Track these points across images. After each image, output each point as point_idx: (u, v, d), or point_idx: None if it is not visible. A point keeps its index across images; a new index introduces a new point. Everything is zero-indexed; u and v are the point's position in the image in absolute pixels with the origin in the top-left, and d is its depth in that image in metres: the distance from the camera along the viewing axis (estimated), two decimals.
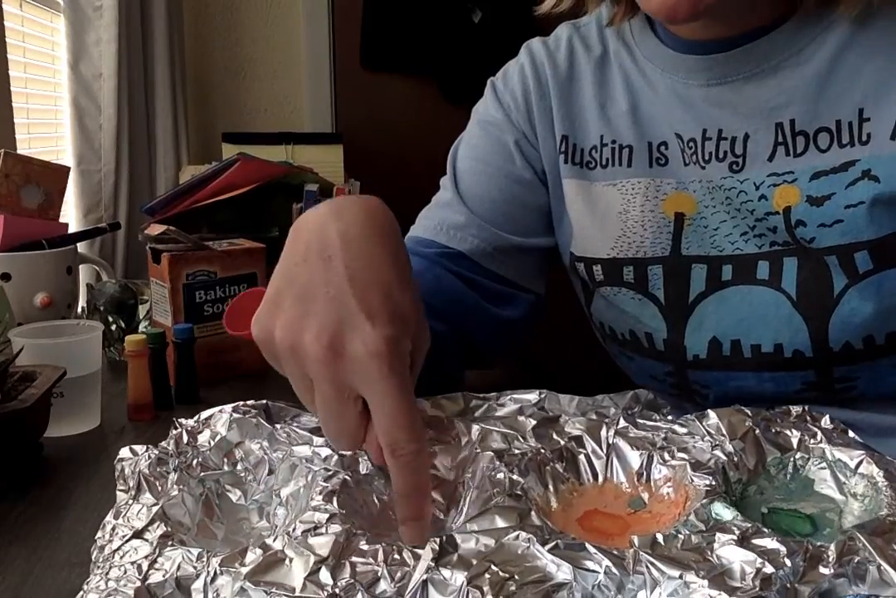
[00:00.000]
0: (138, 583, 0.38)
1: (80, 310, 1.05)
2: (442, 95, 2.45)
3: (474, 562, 0.37)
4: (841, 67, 0.62)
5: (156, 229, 0.91)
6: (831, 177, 0.62)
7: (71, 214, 1.67)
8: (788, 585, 0.35)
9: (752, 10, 0.64)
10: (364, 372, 0.43)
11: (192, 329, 0.83)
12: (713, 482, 0.43)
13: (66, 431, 0.73)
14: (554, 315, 0.99)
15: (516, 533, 0.38)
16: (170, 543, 0.41)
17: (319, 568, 0.37)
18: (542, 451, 0.47)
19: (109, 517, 0.45)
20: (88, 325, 0.79)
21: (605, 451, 0.48)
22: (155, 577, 0.39)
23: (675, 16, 0.59)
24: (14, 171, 1.00)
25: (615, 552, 0.37)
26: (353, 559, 0.38)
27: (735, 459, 0.46)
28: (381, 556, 0.38)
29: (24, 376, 0.67)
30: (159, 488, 0.47)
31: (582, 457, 0.48)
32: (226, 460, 0.50)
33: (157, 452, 0.49)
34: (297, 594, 0.36)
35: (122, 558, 0.41)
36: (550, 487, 0.46)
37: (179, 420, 0.52)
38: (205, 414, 0.52)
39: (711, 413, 0.50)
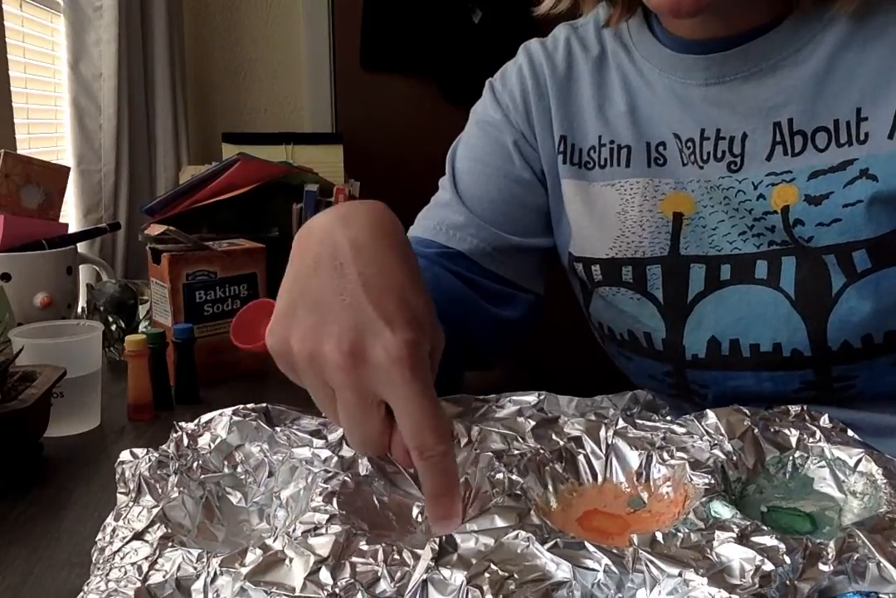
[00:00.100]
0: (138, 584, 0.38)
1: (80, 310, 1.05)
2: (442, 95, 2.45)
3: (474, 561, 0.37)
4: (839, 67, 0.62)
5: (156, 229, 0.91)
6: (829, 176, 0.62)
7: (71, 214, 1.67)
8: (788, 582, 0.35)
9: (752, 7, 0.64)
10: (387, 378, 0.43)
11: (192, 329, 0.83)
12: (712, 481, 0.44)
13: (66, 431, 0.73)
14: (553, 315, 0.99)
15: (515, 532, 0.38)
16: (170, 544, 0.41)
17: (319, 568, 0.37)
18: (542, 451, 0.47)
19: (110, 519, 0.45)
20: (88, 325, 0.79)
21: (604, 451, 0.48)
22: (155, 578, 0.39)
23: (678, 10, 0.59)
24: (14, 171, 1.00)
25: (614, 551, 0.37)
26: (353, 559, 0.38)
27: (734, 458, 0.46)
28: (380, 556, 0.38)
29: (24, 376, 0.67)
30: (160, 490, 0.47)
31: (581, 457, 0.48)
32: (226, 462, 0.50)
33: (157, 455, 0.49)
34: (297, 593, 0.36)
35: (122, 559, 0.41)
36: (550, 487, 0.46)
37: (180, 424, 0.52)
38: (205, 417, 0.52)
39: (710, 413, 0.50)
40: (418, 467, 0.44)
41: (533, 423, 0.50)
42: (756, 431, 0.48)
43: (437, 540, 0.38)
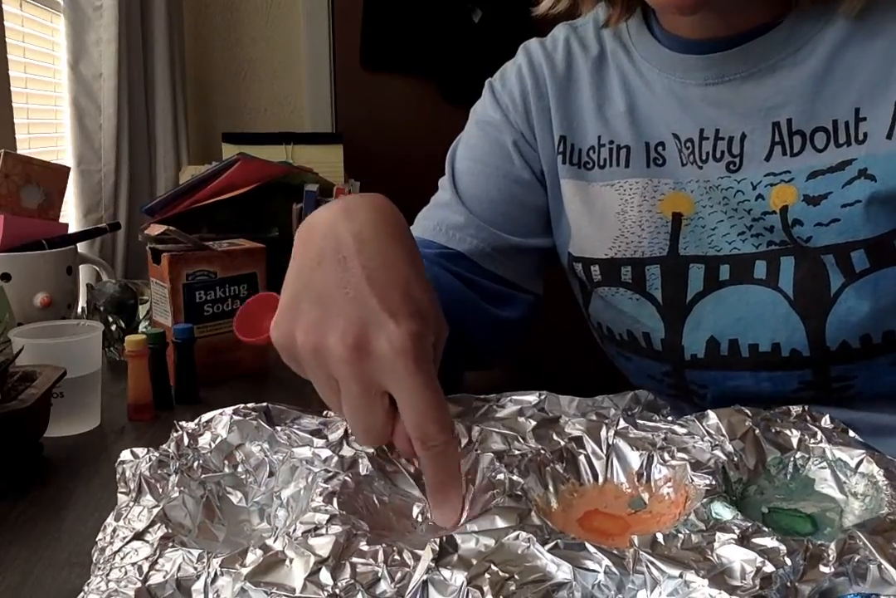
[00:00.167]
0: (139, 584, 0.38)
1: (80, 310, 1.05)
2: (442, 95, 2.45)
3: (474, 562, 0.37)
4: (837, 67, 0.62)
5: (156, 229, 0.90)
6: (828, 176, 0.62)
7: (71, 214, 1.67)
8: (789, 584, 0.35)
9: (751, 7, 0.64)
10: (391, 369, 0.43)
11: (192, 329, 0.83)
12: (713, 482, 0.43)
13: (66, 431, 0.73)
14: (552, 316, 0.99)
15: (516, 533, 0.38)
16: (170, 544, 0.41)
17: (320, 569, 0.37)
18: (542, 452, 0.47)
19: (110, 519, 0.45)
20: (88, 325, 0.79)
21: (605, 451, 0.48)
22: (155, 578, 0.39)
23: (682, 6, 0.59)
24: (14, 171, 1.00)
25: (615, 552, 0.37)
26: (354, 559, 0.38)
27: (735, 459, 0.46)
28: (381, 556, 0.38)
29: (24, 376, 0.67)
30: (160, 490, 0.47)
31: (582, 458, 0.48)
32: (226, 462, 0.50)
33: (157, 454, 0.49)
34: (298, 594, 0.36)
35: (122, 559, 0.41)
36: (550, 487, 0.46)
37: (180, 423, 0.52)
38: (205, 417, 0.52)
39: (711, 413, 0.50)
40: (421, 457, 0.45)
41: (534, 423, 0.50)
42: (757, 431, 0.48)
43: (438, 541, 0.38)
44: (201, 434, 0.51)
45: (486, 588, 0.35)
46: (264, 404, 0.53)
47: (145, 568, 0.39)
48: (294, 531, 0.40)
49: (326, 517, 0.41)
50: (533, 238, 0.77)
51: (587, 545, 0.37)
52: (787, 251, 0.65)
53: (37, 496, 0.61)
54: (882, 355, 0.64)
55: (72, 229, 1.10)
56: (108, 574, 0.39)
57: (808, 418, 0.51)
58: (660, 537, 0.38)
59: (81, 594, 0.39)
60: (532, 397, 0.54)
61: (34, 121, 1.57)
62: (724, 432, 0.48)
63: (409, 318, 0.44)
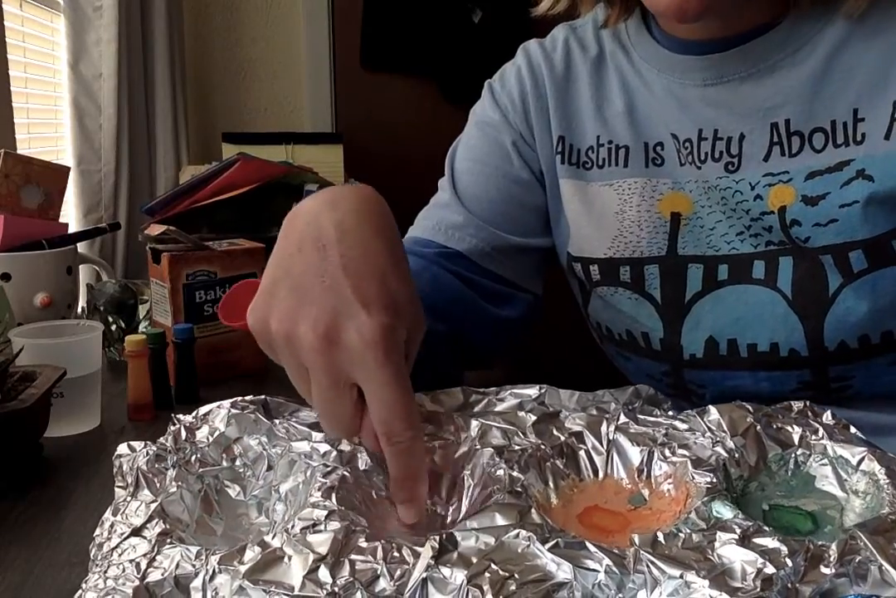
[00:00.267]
0: (137, 582, 0.38)
1: (80, 310, 1.05)
2: (442, 95, 2.45)
3: (474, 560, 0.37)
4: (836, 67, 0.62)
5: (156, 229, 0.90)
6: (826, 177, 0.62)
7: (71, 214, 1.67)
8: (790, 585, 0.35)
9: (750, 8, 0.64)
10: (359, 361, 0.43)
11: (192, 329, 0.83)
12: (714, 479, 0.43)
13: (66, 431, 0.73)
14: (552, 315, 0.99)
15: (516, 531, 0.38)
16: (168, 541, 0.41)
17: (318, 566, 0.37)
18: (543, 447, 0.47)
19: (108, 514, 0.45)
20: (88, 325, 0.79)
21: (605, 447, 0.48)
22: (153, 575, 0.38)
23: (684, 14, 0.58)
24: (14, 171, 1.00)
25: (616, 551, 0.37)
26: (353, 556, 0.37)
27: (736, 455, 0.46)
28: (380, 554, 0.37)
29: (24, 376, 0.67)
30: (158, 484, 0.47)
31: (582, 453, 0.48)
32: (224, 455, 0.50)
33: (155, 448, 0.49)
34: (296, 592, 0.36)
35: (120, 556, 0.40)
36: (550, 483, 0.46)
37: (178, 416, 0.52)
38: (203, 410, 0.52)
39: (712, 409, 0.50)
40: (386, 453, 0.44)
41: (534, 418, 0.50)
42: (758, 428, 0.48)
43: (437, 538, 0.38)
44: (199, 428, 0.51)
45: (486, 588, 0.35)
46: (262, 397, 0.53)
47: (143, 566, 0.39)
48: (292, 527, 0.40)
49: (325, 512, 0.41)
50: (532, 238, 0.77)
51: (587, 544, 0.37)
52: (785, 251, 0.65)
53: (37, 496, 0.61)
54: (880, 355, 0.64)
55: (72, 229, 1.10)
56: (105, 572, 0.39)
57: (810, 414, 0.51)
58: (660, 536, 0.38)
59: (79, 591, 0.39)
60: (532, 391, 0.54)
61: (34, 121, 1.57)
62: (725, 428, 0.48)
63: (382, 310, 0.44)
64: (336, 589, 0.36)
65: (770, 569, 0.35)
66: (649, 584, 0.36)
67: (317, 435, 0.49)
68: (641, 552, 0.36)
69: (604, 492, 0.46)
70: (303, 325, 0.44)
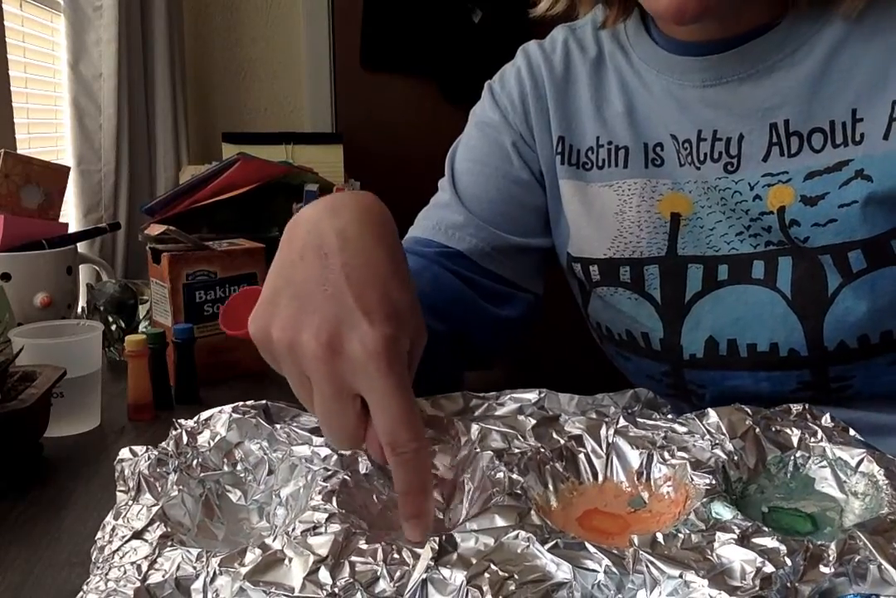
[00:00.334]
0: (138, 583, 0.38)
1: (80, 310, 1.05)
2: (442, 96, 2.45)
3: (474, 561, 0.37)
4: (834, 68, 0.62)
5: (156, 229, 0.90)
6: (825, 177, 0.62)
7: (71, 214, 1.67)
8: (789, 584, 0.35)
9: (749, 9, 0.64)
10: (363, 371, 0.43)
11: (192, 329, 0.83)
12: (713, 481, 0.43)
13: (66, 431, 0.73)
14: (552, 316, 0.99)
15: (516, 532, 0.38)
16: (169, 543, 0.41)
17: (319, 568, 0.37)
18: (542, 450, 0.47)
19: (109, 518, 0.45)
20: (88, 325, 0.79)
21: (604, 450, 0.48)
22: (154, 577, 0.39)
23: (682, 16, 0.59)
24: (14, 171, 1.00)
25: (615, 552, 0.37)
26: (353, 558, 0.38)
27: (735, 458, 0.46)
28: (380, 555, 0.38)
29: (24, 376, 0.67)
30: (159, 488, 0.47)
31: (582, 456, 0.48)
32: (225, 460, 0.50)
33: (156, 452, 0.49)
34: (297, 593, 0.36)
35: (121, 558, 0.41)
36: (550, 486, 0.46)
37: (179, 421, 0.52)
38: (204, 415, 0.52)
39: (711, 412, 0.50)
40: (390, 463, 0.44)
41: (533, 421, 0.50)
42: (757, 430, 0.48)
43: (437, 539, 0.38)
44: (200, 432, 0.51)
45: (485, 588, 0.35)
46: (263, 401, 0.53)
47: (144, 567, 0.39)
48: (293, 529, 0.40)
49: (325, 515, 0.41)
50: (532, 238, 0.77)
51: (587, 544, 0.37)
52: (784, 251, 0.65)
53: (37, 496, 0.61)
54: (880, 355, 0.64)
55: (72, 229, 1.10)
56: (107, 574, 0.39)
57: (809, 416, 0.51)
58: (660, 536, 0.38)
59: (80, 593, 0.39)
60: (532, 395, 0.54)
61: (34, 121, 1.57)
62: (724, 430, 0.48)
63: (384, 320, 0.43)
64: (336, 590, 0.36)
65: (769, 568, 0.35)
66: (649, 584, 0.36)
67: (317, 439, 0.49)
68: (640, 552, 0.37)
69: (603, 495, 0.46)
70: (305, 333, 0.43)
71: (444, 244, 0.75)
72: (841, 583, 0.36)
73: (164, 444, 0.50)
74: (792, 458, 0.48)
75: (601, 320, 0.76)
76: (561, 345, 1.94)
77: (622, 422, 0.50)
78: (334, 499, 0.43)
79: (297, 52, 2.38)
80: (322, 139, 1.96)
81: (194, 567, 0.39)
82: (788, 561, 0.36)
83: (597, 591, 0.36)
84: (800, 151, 0.63)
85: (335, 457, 0.47)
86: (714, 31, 0.65)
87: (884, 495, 0.44)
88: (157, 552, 0.40)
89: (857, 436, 0.49)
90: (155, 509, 0.44)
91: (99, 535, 0.44)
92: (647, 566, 0.36)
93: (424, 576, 0.36)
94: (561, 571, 0.36)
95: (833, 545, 0.37)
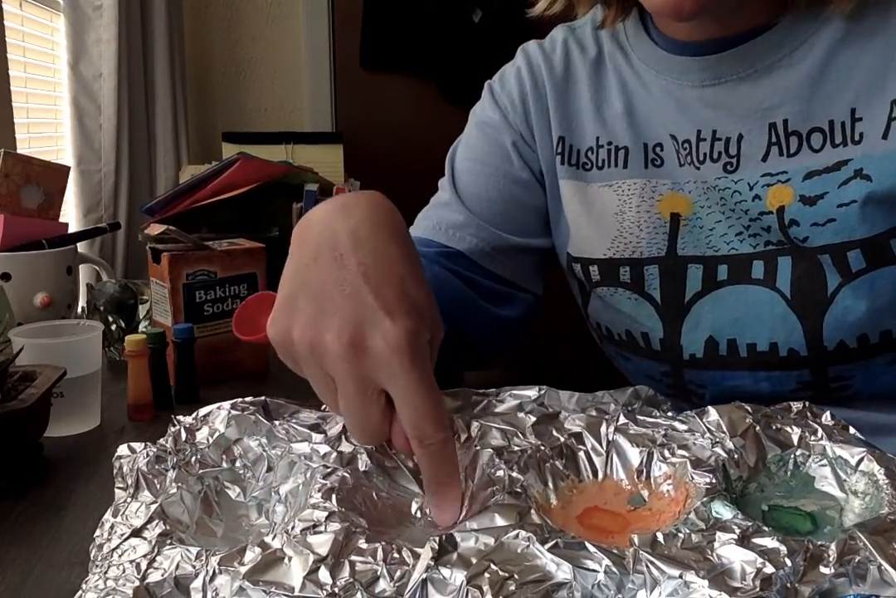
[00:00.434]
0: (137, 582, 0.38)
1: (80, 310, 1.05)
2: (442, 95, 2.45)
3: (474, 561, 0.37)
4: (833, 67, 0.62)
5: (156, 229, 0.90)
6: (824, 176, 0.62)
7: (71, 214, 1.67)
8: (789, 585, 0.35)
9: (747, 9, 0.64)
10: (387, 367, 0.43)
11: (192, 329, 0.83)
12: (713, 480, 0.43)
13: (66, 431, 0.73)
14: (552, 315, 0.99)
15: (516, 532, 0.38)
16: (168, 541, 0.41)
17: (318, 567, 0.37)
18: (542, 448, 0.47)
19: (108, 515, 0.45)
20: (88, 325, 0.79)
21: (604, 448, 0.48)
22: (153, 576, 0.39)
23: (680, 12, 0.59)
24: (14, 171, 1.00)
25: (615, 552, 0.37)
26: (353, 557, 0.37)
27: (735, 456, 0.46)
28: (380, 555, 0.37)
29: (24, 376, 0.67)
30: (158, 485, 0.47)
31: (582, 454, 0.48)
32: (224, 457, 0.50)
33: (155, 449, 0.49)
34: (297, 593, 0.36)
35: (120, 557, 0.40)
36: (550, 484, 0.46)
37: (178, 417, 0.52)
38: (203, 411, 0.52)
39: (711, 410, 0.50)
40: (418, 456, 0.44)
41: (533, 419, 0.50)
42: (758, 428, 0.48)
43: (437, 539, 0.38)
44: (199, 429, 0.51)
45: (485, 588, 0.35)
46: (262, 398, 0.53)
47: (143, 566, 0.39)
48: (293, 528, 0.40)
49: (325, 514, 0.41)
50: (532, 238, 0.77)
51: (587, 544, 0.37)
52: (784, 251, 0.65)
53: (37, 496, 0.61)
54: (880, 355, 0.64)
55: (72, 229, 1.10)
56: (106, 572, 0.39)
57: (809, 414, 0.51)
58: (660, 536, 0.38)
59: (79, 592, 0.39)
60: (532, 392, 0.54)
61: (34, 121, 1.57)
62: (724, 428, 0.48)
63: (404, 315, 0.44)
64: (336, 590, 0.36)
65: (769, 569, 0.35)
66: (649, 584, 0.36)
67: (317, 436, 0.49)
68: (641, 552, 0.36)
69: (603, 493, 0.46)
70: (327, 334, 0.44)
71: (444, 244, 0.75)
72: (841, 584, 0.36)
73: (162, 441, 0.50)
74: (792, 456, 0.48)
75: (601, 320, 0.76)
76: (561, 345, 1.94)
77: (622, 420, 0.50)
78: (334, 497, 0.43)
79: (297, 52, 2.38)
80: (322, 139, 1.96)
81: (193, 566, 0.39)
82: (788, 562, 0.36)
83: (597, 591, 0.36)
84: (799, 151, 0.64)
85: (334, 454, 0.47)
86: (713, 30, 0.65)
87: (884, 494, 0.44)
88: (156, 550, 0.40)
89: (858, 435, 0.49)
90: (154, 506, 0.44)
91: (97, 532, 0.44)
92: (647, 566, 0.36)
93: (424, 576, 0.36)
94: (561, 571, 0.36)
95: (833, 546, 0.37)
